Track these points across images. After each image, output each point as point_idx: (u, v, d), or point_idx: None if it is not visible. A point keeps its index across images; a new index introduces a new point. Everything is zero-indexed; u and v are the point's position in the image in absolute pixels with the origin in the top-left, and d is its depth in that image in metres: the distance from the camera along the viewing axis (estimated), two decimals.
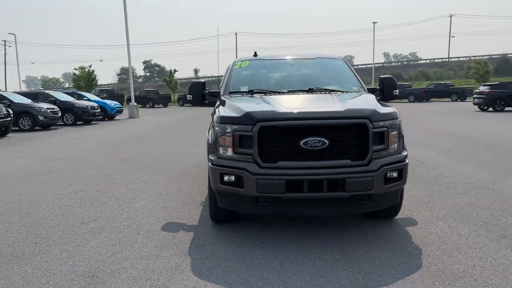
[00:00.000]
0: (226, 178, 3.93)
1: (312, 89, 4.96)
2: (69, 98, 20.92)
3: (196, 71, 78.42)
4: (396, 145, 3.99)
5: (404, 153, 4.06)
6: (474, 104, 24.89)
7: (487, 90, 23.67)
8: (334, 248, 3.79)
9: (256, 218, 4.65)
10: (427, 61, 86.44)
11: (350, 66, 5.63)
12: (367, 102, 4.30)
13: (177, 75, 52.92)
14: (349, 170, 3.73)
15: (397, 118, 4.05)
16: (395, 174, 3.92)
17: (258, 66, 5.60)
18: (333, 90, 4.95)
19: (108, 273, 3.38)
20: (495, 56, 73.88)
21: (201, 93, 5.38)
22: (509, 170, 7.01)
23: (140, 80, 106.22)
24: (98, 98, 25.08)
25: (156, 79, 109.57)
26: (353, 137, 3.78)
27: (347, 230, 4.27)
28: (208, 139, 4.63)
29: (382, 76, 5.39)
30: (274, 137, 3.77)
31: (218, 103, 5.00)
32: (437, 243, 3.85)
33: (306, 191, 3.73)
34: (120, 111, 24.41)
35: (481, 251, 3.64)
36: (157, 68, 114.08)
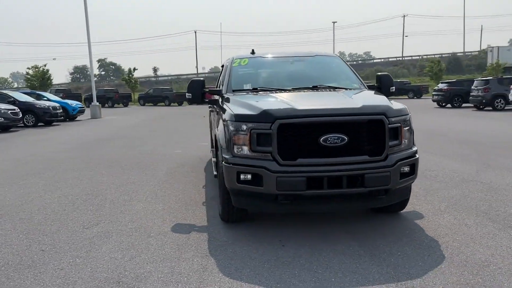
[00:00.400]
0: (242, 176, 3.89)
1: (316, 86, 4.99)
2: (29, 99, 19.94)
3: (155, 69, 76.95)
4: (407, 140, 4.09)
5: (414, 148, 4.17)
6: (433, 100, 25.92)
7: (445, 88, 24.72)
8: (354, 244, 3.83)
9: (267, 217, 4.63)
10: (382, 60, 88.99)
11: (347, 63, 5.71)
12: (379, 99, 4.37)
13: (135, 74, 51.59)
14: (367, 166, 3.79)
15: (408, 114, 4.15)
16: (407, 169, 4.01)
17: (258, 63, 5.57)
18: (336, 87, 5.01)
19: (134, 278, 3.26)
20: (446, 55, 77.11)
21: (202, 92, 5.28)
22: (487, 163, 7.35)
23: (95, 79, 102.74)
24: (58, 98, 24.07)
25: (112, 78, 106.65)
26: (370, 133, 3.84)
27: (358, 225, 4.33)
28: (214, 137, 4.56)
29: (379, 73, 5.50)
30: (293, 135, 3.77)
31: (221, 101, 4.93)
32: (450, 235, 3.97)
33: (326, 188, 3.74)
34: (82, 112, 23.55)
35: (493, 241, 3.80)
36: (113, 67, 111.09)
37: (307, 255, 3.60)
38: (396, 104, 4.17)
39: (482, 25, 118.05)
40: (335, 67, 5.59)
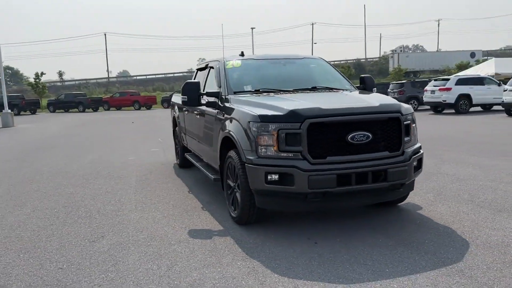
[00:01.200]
0: (270, 177, 3.90)
1: (315, 87, 5.14)
2: None
3: (60, 74, 71.89)
4: (414, 136, 4.40)
5: (419, 144, 4.50)
6: None
7: None
8: (380, 236, 4.02)
9: (277, 216, 4.66)
10: None
11: (331, 65, 5.95)
12: (386, 98, 4.63)
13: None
14: (389, 161, 4.02)
15: (413, 112, 4.47)
16: (416, 163, 4.32)
17: (252, 66, 5.56)
18: (333, 88, 5.20)
19: (188, 287, 3.11)
20: (350, 61, 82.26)
21: (198, 94, 5.14)
22: (440, 157, 8.07)
23: None
24: None
25: (9, 83, 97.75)
26: (389, 130, 4.07)
27: (371, 219, 4.54)
28: (220, 138, 4.51)
29: (362, 75, 5.80)
30: (322, 133, 3.87)
31: (222, 102, 4.88)
32: (457, 222, 4.34)
33: (354, 184, 3.89)
34: None
35: (496, 223, 4.22)
36: (9, 71, 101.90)
37: (345, 250, 3.71)
38: (403, 104, 4.46)
39: (380, 34, 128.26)
40: (323, 69, 5.79)
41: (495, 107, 20.54)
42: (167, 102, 40.95)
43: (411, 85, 22.94)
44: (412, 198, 5.26)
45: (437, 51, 79.11)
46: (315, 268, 3.36)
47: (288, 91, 4.94)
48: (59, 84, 72.64)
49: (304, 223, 4.46)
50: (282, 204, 4.07)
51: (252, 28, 61.16)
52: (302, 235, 4.12)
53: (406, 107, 4.34)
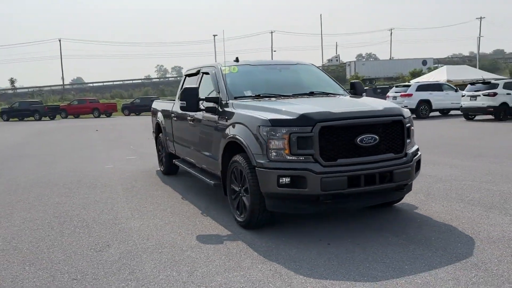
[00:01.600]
0: (282, 180, 3.95)
1: (313, 92, 5.26)
2: None
3: (12, 81, 68.62)
4: (413, 139, 4.59)
5: (417, 146, 4.70)
6: None
7: None
8: (388, 235, 4.15)
9: (279, 219, 4.70)
10: None
11: (323, 70, 6.10)
12: (386, 102, 4.80)
13: None
14: (394, 162, 4.17)
15: (411, 116, 4.67)
16: (415, 164, 4.51)
17: (248, 71, 5.60)
18: (329, 93, 5.33)
19: None
20: None
21: (197, 99, 5.12)
22: None
23: None
24: None
25: None
26: (393, 132, 4.23)
27: (371, 219, 4.68)
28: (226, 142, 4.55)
29: (352, 81, 5.99)
30: (333, 136, 3.97)
31: (222, 107, 4.89)
32: (454, 219, 4.55)
33: (363, 185, 4.02)
34: None
35: (491, 220, 4.47)
36: None
37: (359, 249, 3.81)
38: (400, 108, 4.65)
39: (336, 42, 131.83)
40: (316, 75, 5.92)
41: (452, 112, 21.58)
42: (128, 109, 40.21)
43: (373, 91, 23.80)
44: (405, 198, 5.44)
45: (390, 59, 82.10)
46: (336, 268, 3.43)
47: (288, 96, 5.02)
48: (10, 91, 69.45)
49: (311, 225, 4.54)
50: (293, 206, 4.12)
51: (214, 35, 61.29)
52: (313, 237, 4.19)
53: (406, 110, 4.53)
